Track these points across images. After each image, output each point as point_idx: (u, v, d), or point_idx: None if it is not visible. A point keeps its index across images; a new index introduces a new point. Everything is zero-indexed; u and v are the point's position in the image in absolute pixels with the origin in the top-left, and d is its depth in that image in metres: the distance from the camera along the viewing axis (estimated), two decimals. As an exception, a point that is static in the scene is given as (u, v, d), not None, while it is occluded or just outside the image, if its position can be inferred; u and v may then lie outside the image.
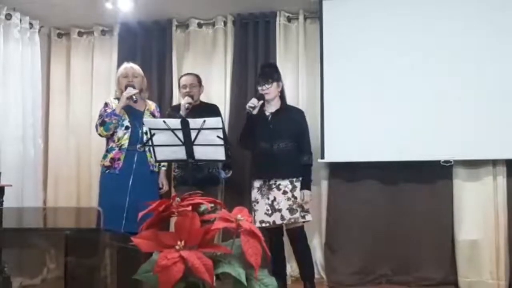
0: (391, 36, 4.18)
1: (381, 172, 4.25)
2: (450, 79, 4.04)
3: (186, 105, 3.87)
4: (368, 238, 4.24)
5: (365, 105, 4.19)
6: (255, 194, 3.71)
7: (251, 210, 3.72)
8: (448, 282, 4.06)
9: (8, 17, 4.46)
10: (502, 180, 4.01)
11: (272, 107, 3.76)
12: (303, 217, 3.62)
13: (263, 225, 3.60)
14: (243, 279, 1.61)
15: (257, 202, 3.68)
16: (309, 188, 3.65)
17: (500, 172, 4.02)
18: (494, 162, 4.04)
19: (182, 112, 3.83)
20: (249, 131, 3.78)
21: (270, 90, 3.70)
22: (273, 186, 3.63)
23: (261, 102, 3.69)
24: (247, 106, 3.67)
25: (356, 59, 4.24)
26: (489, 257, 3.99)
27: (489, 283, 3.97)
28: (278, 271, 3.64)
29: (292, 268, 4.27)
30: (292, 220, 3.58)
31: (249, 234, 1.65)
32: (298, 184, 3.63)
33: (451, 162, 4.04)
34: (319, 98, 4.33)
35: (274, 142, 3.65)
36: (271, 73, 3.73)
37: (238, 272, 1.62)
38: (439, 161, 4.03)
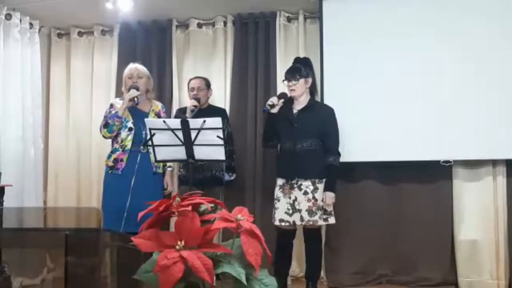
0: (391, 36, 4.18)
1: (381, 172, 4.25)
2: (450, 79, 4.04)
3: (192, 107, 3.90)
4: (368, 238, 4.23)
5: (365, 105, 4.19)
6: (277, 192, 3.61)
7: (272, 208, 3.65)
8: (448, 282, 4.06)
9: (8, 17, 4.46)
10: (502, 180, 4.01)
11: (300, 105, 3.61)
12: (326, 219, 3.51)
13: (282, 224, 3.53)
14: (243, 279, 1.61)
15: (278, 200, 3.58)
16: (333, 190, 3.50)
17: (500, 172, 4.02)
18: (494, 162, 4.03)
19: (188, 114, 3.87)
20: (270, 131, 3.68)
21: (296, 87, 3.56)
22: (295, 185, 3.53)
23: (281, 100, 3.58)
24: (266, 104, 3.57)
25: (356, 59, 4.23)
26: (489, 257, 3.98)
27: (489, 283, 3.97)
28: (281, 272, 3.61)
29: (292, 268, 4.27)
30: (311, 223, 3.49)
31: (249, 234, 1.65)
32: (320, 186, 3.51)
33: (451, 162, 4.04)
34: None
35: (297, 142, 3.53)
36: (299, 69, 3.58)
37: (238, 272, 1.63)
38: (439, 161, 4.03)
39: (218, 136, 3.12)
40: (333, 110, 3.69)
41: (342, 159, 4.04)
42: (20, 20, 4.57)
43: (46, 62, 5.14)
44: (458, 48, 4.03)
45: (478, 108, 3.97)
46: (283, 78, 3.67)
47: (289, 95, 3.63)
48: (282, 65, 4.41)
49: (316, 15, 4.52)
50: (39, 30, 4.83)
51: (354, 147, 4.16)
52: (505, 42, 3.95)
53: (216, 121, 3.11)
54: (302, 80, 3.57)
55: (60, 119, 5.12)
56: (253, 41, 4.68)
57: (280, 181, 3.61)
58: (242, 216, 1.69)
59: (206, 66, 4.81)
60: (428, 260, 4.10)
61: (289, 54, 4.60)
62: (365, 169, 4.28)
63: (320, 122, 3.58)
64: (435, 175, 4.12)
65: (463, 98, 4.01)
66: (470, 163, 4.08)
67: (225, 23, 4.82)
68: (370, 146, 4.15)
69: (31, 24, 4.73)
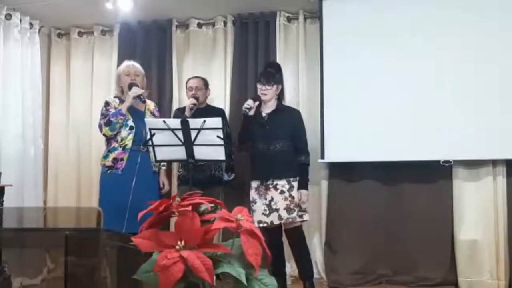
0: (391, 36, 4.18)
1: (381, 172, 4.24)
2: (450, 79, 4.04)
3: (191, 105, 3.92)
4: (368, 238, 4.23)
5: (365, 105, 4.19)
6: (253, 194, 3.73)
7: (250, 211, 3.74)
8: (448, 282, 4.05)
9: (8, 17, 4.46)
10: (502, 180, 4.01)
11: (268, 108, 3.78)
12: (301, 216, 3.65)
13: (261, 225, 3.61)
14: (243, 279, 1.61)
15: (255, 203, 3.70)
16: (306, 188, 3.67)
17: (500, 172, 4.02)
18: (494, 162, 4.03)
19: (187, 113, 3.90)
20: (246, 133, 3.79)
21: (268, 92, 3.72)
22: (271, 186, 3.65)
23: (257, 103, 3.71)
24: (243, 108, 3.69)
25: (356, 59, 4.23)
26: (489, 257, 3.98)
27: (489, 283, 3.97)
28: (278, 271, 3.65)
29: (292, 268, 4.28)
30: (290, 220, 3.61)
31: (249, 234, 1.65)
32: (295, 184, 3.66)
33: (451, 162, 4.04)
34: (319, 98, 4.33)
35: (270, 143, 3.67)
36: (273, 75, 3.75)
37: (238, 272, 1.62)
38: (439, 161, 4.03)
39: (218, 136, 3.12)
40: (299, 112, 3.90)
41: (343, 159, 4.06)
42: (20, 20, 4.57)
43: (46, 62, 5.14)
44: (458, 48, 4.03)
45: (478, 108, 3.97)
46: (257, 80, 3.80)
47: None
48: (282, 65, 4.39)
49: (316, 15, 4.52)
50: (39, 30, 4.83)
51: (354, 147, 4.17)
52: (505, 42, 3.95)
53: (216, 121, 3.12)
54: (274, 86, 3.73)
55: (60, 119, 5.12)
56: (253, 41, 4.68)
57: (254, 184, 3.73)
58: (242, 216, 1.69)
59: (206, 66, 4.81)
60: (428, 260, 4.09)
61: (289, 54, 4.61)
62: (364, 169, 4.28)
63: (290, 124, 3.75)
64: (435, 175, 4.12)
65: (463, 98, 4.01)
66: (470, 163, 4.08)
67: (225, 23, 4.82)
68: (370, 146, 4.15)
69: (31, 24, 4.73)
